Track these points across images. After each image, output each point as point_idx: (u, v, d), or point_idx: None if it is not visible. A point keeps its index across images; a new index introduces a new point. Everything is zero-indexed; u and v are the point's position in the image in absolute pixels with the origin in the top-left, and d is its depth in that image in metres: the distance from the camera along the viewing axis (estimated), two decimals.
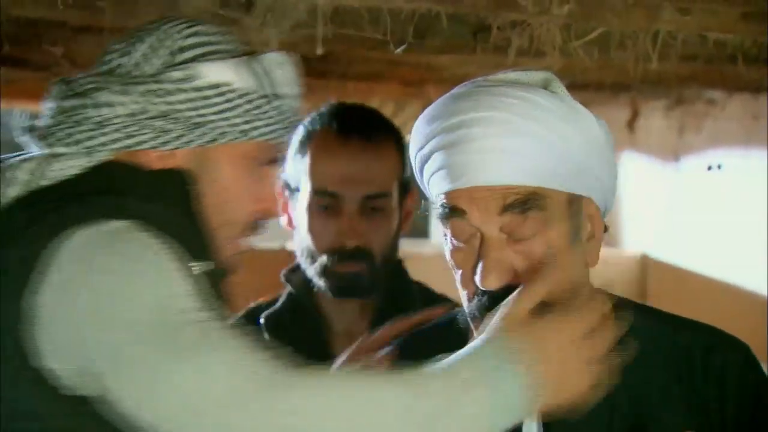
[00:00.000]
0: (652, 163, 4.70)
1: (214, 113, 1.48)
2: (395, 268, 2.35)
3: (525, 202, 1.52)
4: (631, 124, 3.99)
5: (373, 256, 2.25)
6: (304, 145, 2.29)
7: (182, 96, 1.47)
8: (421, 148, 1.59)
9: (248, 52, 1.55)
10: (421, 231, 4.96)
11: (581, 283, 1.61)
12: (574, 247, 1.57)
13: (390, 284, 2.32)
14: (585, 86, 3.21)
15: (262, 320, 2.32)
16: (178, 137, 1.48)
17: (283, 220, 2.35)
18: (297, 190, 2.29)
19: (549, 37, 1.96)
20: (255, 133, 1.51)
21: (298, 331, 2.30)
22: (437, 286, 2.45)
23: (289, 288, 2.35)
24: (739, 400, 1.58)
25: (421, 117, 1.61)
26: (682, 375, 1.61)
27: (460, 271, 1.56)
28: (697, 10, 2.05)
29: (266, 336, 2.30)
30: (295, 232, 2.31)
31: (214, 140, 1.50)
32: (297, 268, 2.36)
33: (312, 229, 2.25)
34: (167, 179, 1.49)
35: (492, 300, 1.52)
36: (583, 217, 1.58)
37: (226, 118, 1.49)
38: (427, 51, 2.39)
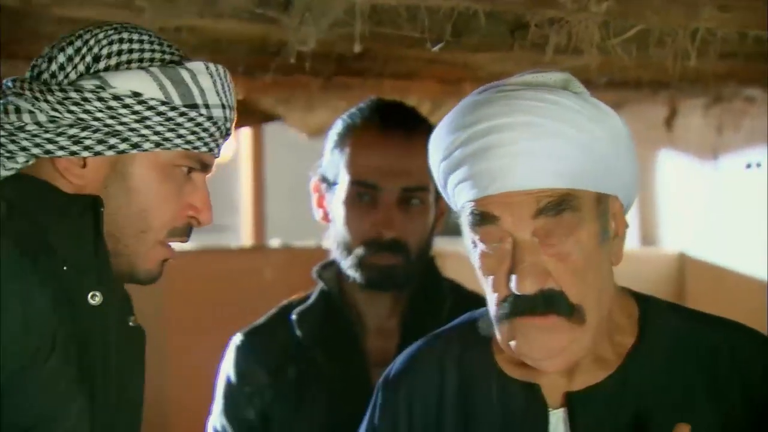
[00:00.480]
0: (691, 162, 4.68)
1: (125, 123, 1.49)
2: (428, 264, 2.36)
3: (559, 204, 1.52)
4: (669, 122, 3.96)
5: (409, 249, 2.26)
6: (343, 138, 2.31)
7: (93, 105, 1.47)
8: (446, 157, 1.58)
9: (172, 60, 1.54)
10: (455, 230, 4.95)
11: (608, 286, 1.60)
12: (602, 247, 1.57)
13: (422, 280, 2.33)
14: (623, 84, 3.19)
15: (294, 316, 2.34)
16: (91, 146, 1.48)
17: (318, 214, 2.37)
18: (334, 183, 2.30)
19: (587, 35, 1.95)
20: (169, 144, 1.51)
21: (330, 328, 2.31)
22: (471, 284, 2.45)
23: (321, 284, 2.36)
24: (765, 398, 1.57)
25: (440, 127, 1.61)
26: (708, 372, 1.61)
27: (491, 277, 1.56)
28: (736, 7, 2.04)
29: (298, 332, 2.31)
30: (330, 225, 2.32)
31: (128, 149, 1.50)
32: (329, 265, 2.37)
33: (349, 221, 2.26)
34: (77, 203, 1.49)
35: (527, 302, 1.52)
36: (609, 216, 1.58)
37: (137, 129, 1.49)
38: (464, 49, 2.38)
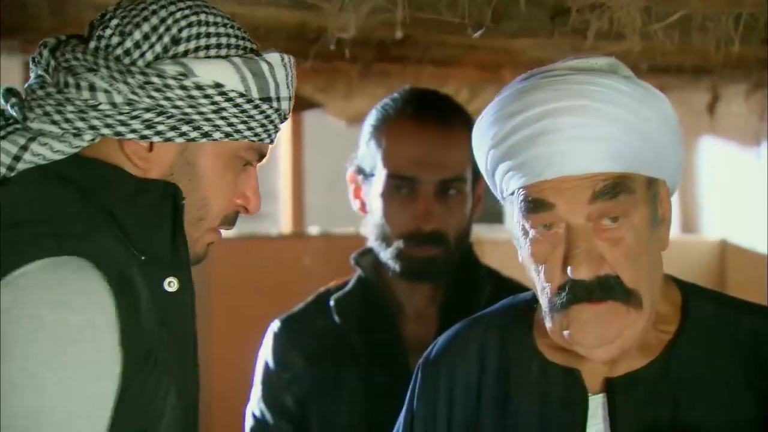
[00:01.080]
0: (733, 148, 4.64)
1: (203, 113, 1.47)
2: (466, 252, 2.36)
3: (614, 187, 1.51)
4: (711, 108, 3.92)
5: (448, 240, 2.26)
6: (378, 130, 2.30)
7: (172, 92, 1.45)
8: (496, 146, 1.57)
9: (247, 47, 1.52)
10: (496, 216, 4.94)
11: (658, 270, 1.59)
12: (654, 232, 1.56)
13: (461, 268, 2.33)
14: (665, 70, 3.17)
15: (332, 303, 2.34)
16: (163, 131, 1.46)
17: (355, 205, 2.37)
18: (371, 175, 2.29)
19: (629, 20, 1.93)
20: (238, 135, 1.49)
21: (368, 314, 2.32)
22: (511, 271, 2.44)
23: (359, 271, 2.36)
24: None
25: (486, 115, 1.60)
26: (750, 361, 1.60)
27: (543, 265, 1.56)
28: None
29: (336, 319, 2.32)
30: (367, 216, 2.32)
31: (198, 138, 1.48)
32: (367, 252, 2.37)
33: (387, 213, 2.26)
34: (153, 188, 1.47)
35: (584, 289, 1.52)
36: (658, 201, 1.57)
37: (212, 119, 1.47)
38: (503, 35, 2.37)
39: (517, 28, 2.24)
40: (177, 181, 1.49)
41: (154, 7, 1.49)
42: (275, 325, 2.40)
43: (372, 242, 2.32)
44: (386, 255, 2.29)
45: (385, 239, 2.28)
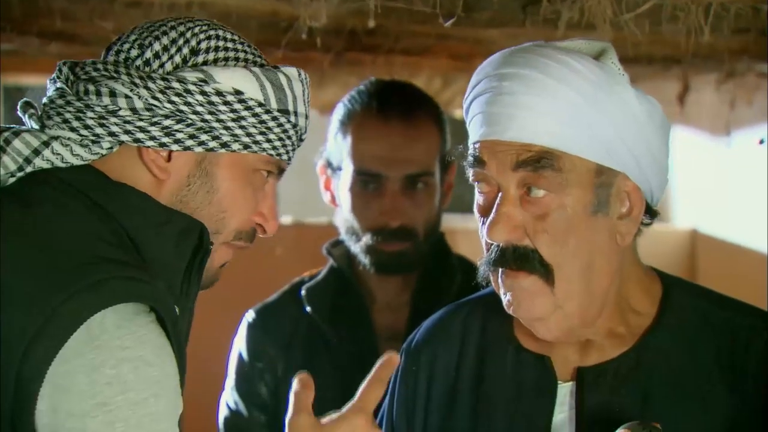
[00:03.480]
0: (703, 138, 4.66)
1: (222, 120, 1.46)
2: (437, 241, 2.37)
3: (538, 160, 1.52)
4: (681, 98, 3.94)
5: (417, 234, 2.27)
6: (344, 125, 2.30)
7: (192, 98, 1.45)
8: (466, 97, 1.62)
9: (264, 63, 1.53)
10: (468, 206, 4.95)
11: (605, 258, 1.59)
12: (596, 219, 1.56)
13: (432, 258, 2.34)
14: (635, 60, 3.18)
15: (303, 293, 2.34)
16: (182, 139, 1.46)
17: (326, 197, 2.37)
18: (339, 169, 2.30)
19: (599, 10, 1.94)
20: (257, 147, 1.49)
21: (340, 304, 2.33)
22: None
23: (331, 262, 2.37)
24: None
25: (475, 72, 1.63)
26: (725, 357, 1.60)
27: (482, 219, 1.59)
28: None
29: (309, 309, 2.32)
30: (338, 209, 2.33)
31: (216, 148, 1.47)
32: (339, 242, 2.37)
33: (355, 209, 2.26)
34: (179, 222, 1.46)
35: (500, 254, 1.54)
36: (613, 192, 1.57)
37: (231, 127, 1.47)
38: (475, 25, 2.37)
39: (488, 17, 2.24)
40: (194, 193, 1.48)
41: (173, 23, 1.51)
42: (249, 315, 2.40)
43: (342, 234, 2.33)
44: (356, 248, 2.30)
45: (354, 233, 2.29)
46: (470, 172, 1.60)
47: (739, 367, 1.60)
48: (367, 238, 2.27)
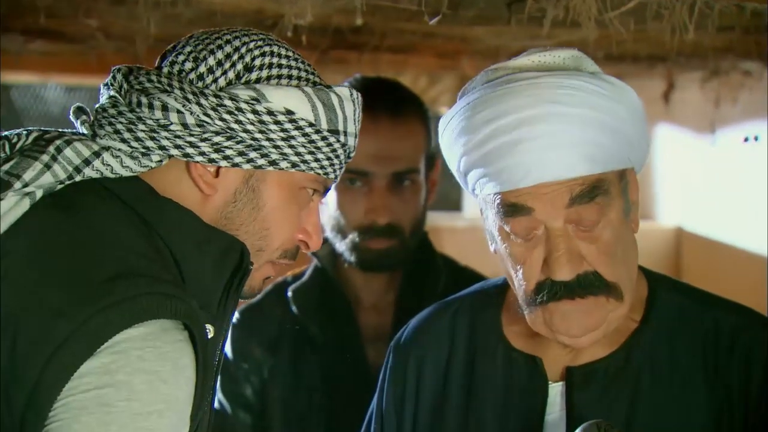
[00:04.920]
0: (688, 135, 4.67)
1: (272, 139, 1.45)
2: (422, 241, 2.37)
3: (591, 191, 1.52)
4: (666, 96, 3.95)
5: (403, 232, 2.27)
6: None
7: (244, 116, 1.44)
8: (468, 152, 1.57)
9: (317, 82, 1.52)
10: (454, 204, 4.95)
11: (634, 256, 1.61)
12: (626, 219, 1.58)
13: (417, 257, 2.34)
14: (620, 58, 3.18)
15: (289, 293, 2.34)
16: (231, 156, 1.45)
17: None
18: None
19: (584, 8, 1.94)
20: (305, 166, 1.48)
21: (325, 304, 2.32)
22: (470, 258, 2.45)
23: (315, 261, 2.37)
24: (764, 380, 1.58)
25: (454, 120, 1.60)
26: (710, 354, 1.61)
27: (522, 265, 1.56)
28: None
29: (294, 309, 2.32)
30: (322, 207, 2.33)
31: (265, 166, 1.47)
32: (323, 241, 2.37)
33: (342, 207, 2.26)
34: (220, 241, 1.45)
35: (565, 288, 1.53)
36: (629, 188, 1.59)
37: (280, 146, 1.46)
38: (461, 22, 2.37)
39: (474, 15, 2.24)
40: (240, 209, 1.48)
41: (228, 37, 1.50)
42: (234, 316, 2.39)
43: (328, 233, 2.32)
44: (342, 246, 2.29)
45: (341, 231, 2.29)
46: (508, 224, 1.56)
47: (724, 365, 1.60)
48: (353, 236, 2.27)
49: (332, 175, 1.54)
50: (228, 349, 2.36)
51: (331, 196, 2.28)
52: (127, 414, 1.27)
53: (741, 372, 1.59)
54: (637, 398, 1.59)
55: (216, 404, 2.36)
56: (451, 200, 4.80)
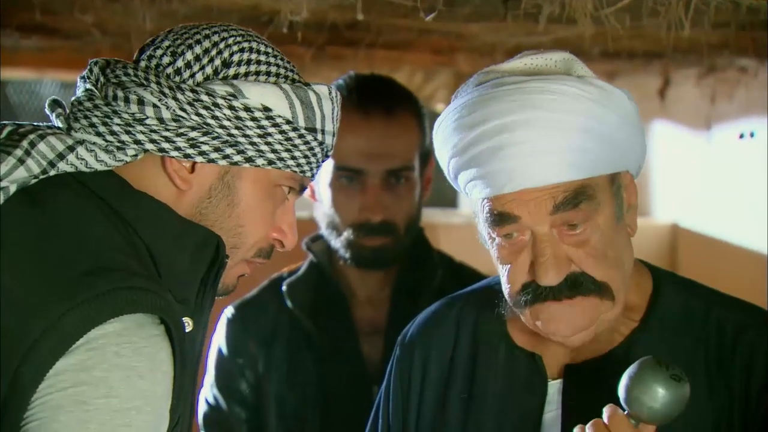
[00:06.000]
0: (684, 132, 4.67)
1: (248, 136, 1.45)
2: (417, 236, 2.37)
3: (575, 197, 1.52)
4: (662, 92, 3.95)
5: (398, 229, 2.27)
6: None
7: (220, 112, 1.44)
8: (456, 155, 1.57)
9: (295, 79, 1.51)
10: (450, 201, 4.95)
11: (628, 258, 1.61)
12: (620, 224, 1.57)
13: (412, 253, 2.34)
14: (616, 54, 3.18)
15: (284, 288, 2.34)
16: (207, 152, 1.45)
17: (305, 192, 2.36)
18: None
19: (580, 5, 1.94)
20: (281, 164, 1.48)
21: (320, 299, 2.33)
22: (465, 254, 2.45)
23: (311, 257, 2.37)
24: (765, 378, 1.58)
25: (446, 122, 1.60)
26: (712, 352, 1.61)
27: (508, 266, 1.57)
28: None
29: (289, 304, 2.32)
30: (317, 204, 2.32)
31: (241, 162, 1.46)
32: (319, 237, 2.37)
33: (336, 204, 2.26)
34: (197, 235, 1.45)
35: (550, 291, 1.53)
36: (622, 192, 1.58)
37: (257, 143, 1.46)
38: (457, 19, 2.37)
39: (469, 12, 2.24)
40: (215, 206, 1.48)
41: (207, 32, 1.50)
42: (229, 311, 2.39)
43: (323, 229, 2.32)
44: (336, 243, 2.30)
45: (335, 228, 2.29)
46: (495, 230, 1.56)
47: (726, 362, 1.60)
48: (348, 233, 2.27)
49: (309, 174, 1.53)
50: (223, 344, 2.36)
51: (326, 193, 2.28)
52: (105, 411, 1.27)
53: (743, 369, 1.59)
54: None
55: (211, 399, 2.36)
56: (447, 197, 4.80)
